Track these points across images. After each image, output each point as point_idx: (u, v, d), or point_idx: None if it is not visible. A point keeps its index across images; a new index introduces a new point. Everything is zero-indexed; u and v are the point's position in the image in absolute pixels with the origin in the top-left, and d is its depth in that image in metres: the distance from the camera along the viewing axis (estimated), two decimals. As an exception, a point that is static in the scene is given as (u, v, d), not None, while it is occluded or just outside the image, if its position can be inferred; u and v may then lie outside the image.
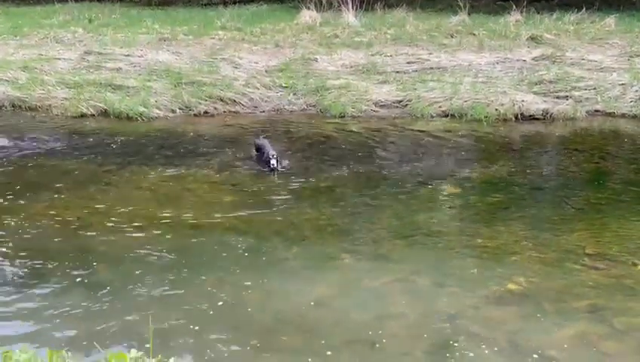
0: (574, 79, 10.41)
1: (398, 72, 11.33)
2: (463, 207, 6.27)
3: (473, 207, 6.30)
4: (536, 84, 10.34)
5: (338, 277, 4.83)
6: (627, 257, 5.04)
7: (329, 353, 3.89)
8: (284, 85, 10.63)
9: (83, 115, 9.50)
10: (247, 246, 5.26)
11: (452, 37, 13.82)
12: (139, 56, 12.27)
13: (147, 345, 3.38)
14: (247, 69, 11.63)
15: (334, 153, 7.97)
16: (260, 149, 7.33)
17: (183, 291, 4.55)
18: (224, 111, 9.82)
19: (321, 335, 4.06)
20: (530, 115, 9.34)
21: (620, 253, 5.12)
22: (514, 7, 15.60)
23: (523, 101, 9.54)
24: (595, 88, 10.11)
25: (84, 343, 3.85)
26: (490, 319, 4.23)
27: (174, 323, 4.13)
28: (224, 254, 5.13)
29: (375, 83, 10.70)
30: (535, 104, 9.51)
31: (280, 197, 6.41)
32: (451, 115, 9.45)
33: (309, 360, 3.82)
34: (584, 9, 15.43)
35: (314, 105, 9.93)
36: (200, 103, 9.81)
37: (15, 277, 4.79)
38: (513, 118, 9.26)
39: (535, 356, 3.84)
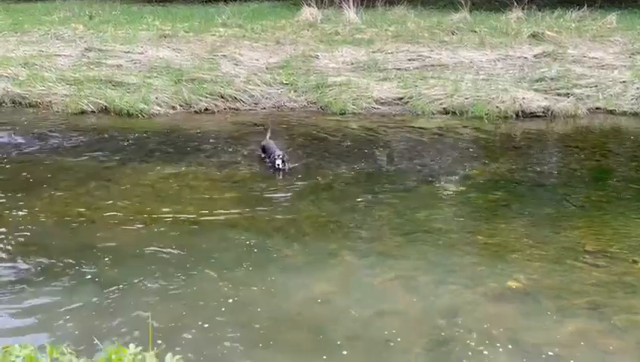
0: (575, 77, 10.41)
1: (399, 69, 11.33)
2: (463, 205, 6.27)
3: (474, 204, 6.30)
4: (538, 81, 10.33)
5: (338, 273, 4.84)
6: (627, 254, 5.04)
7: (329, 349, 3.89)
8: (284, 82, 10.63)
9: (83, 112, 9.50)
10: (248, 242, 5.26)
11: (453, 34, 13.81)
12: (139, 53, 12.27)
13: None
14: (247, 65, 11.63)
15: (335, 150, 7.97)
16: (265, 150, 7.25)
17: (183, 287, 4.55)
18: (225, 108, 9.82)
19: (321, 332, 4.07)
20: (531, 113, 9.33)
21: (620, 250, 5.12)
22: (515, 4, 15.58)
23: (524, 98, 9.53)
24: (596, 86, 10.11)
25: (85, 338, 3.85)
26: (490, 316, 4.23)
27: (175, 319, 4.14)
28: (225, 251, 5.13)
29: (376, 80, 10.70)
30: (536, 101, 9.51)
31: (281, 194, 6.41)
32: (452, 112, 9.45)
33: (309, 356, 3.83)
34: (585, 6, 15.42)
35: (315, 103, 9.93)
36: (200, 100, 9.81)
37: (16, 273, 4.79)
38: (514, 116, 9.25)
39: (535, 353, 3.84)
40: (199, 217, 5.72)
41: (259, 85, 10.45)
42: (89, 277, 4.70)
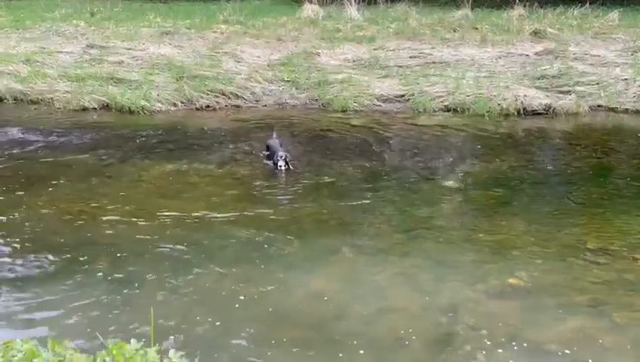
0: (577, 74, 10.39)
1: (400, 66, 11.31)
2: (464, 202, 6.27)
3: (475, 201, 6.30)
4: (539, 78, 10.31)
5: (340, 270, 4.84)
6: (628, 252, 5.04)
7: (329, 346, 3.90)
8: (286, 79, 10.62)
9: (85, 109, 9.51)
10: (249, 239, 5.27)
11: (455, 31, 13.79)
12: (141, 50, 12.27)
13: (149, 328, 3.42)
14: (249, 62, 11.62)
15: (336, 147, 7.96)
16: (270, 149, 7.18)
17: (184, 284, 4.56)
18: (226, 106, 9.82)
19: (321, 328, 4.07)
20: (533, 110, 9.32)
21: (621, 248, 5.12)
22: (517, 1, 15.55)
23: (525, 96, 9.52)
24: (598, 83, 10.09)
25: (87, 334, 3.86)
26: (490, 313, 4.23)
27: (175, 315, 4.14)
28: (226, 247, 5.14)
29: (377, 77, 10.69)
30: (538, 99, 9.49)
31: (282, 191, 6.41)
32: (453, 109, 9.44)
33: (310, 353, 3.83)
34: (588, 3, 15.39)
35: (316, 100, 9.92)
36: (202, 97, 9.81)
37: (17, 270, 4.80)
38: (515, 113, 9.24)
39: (535, 350, 3.84)
40: (200, 214, 5.73)
41: (260, 82, 10.45)
42: (90, 273, 4.71)
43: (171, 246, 5.13)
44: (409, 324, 4.12)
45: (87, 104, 9.55)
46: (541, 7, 15.66)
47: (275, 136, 7.53)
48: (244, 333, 4.01)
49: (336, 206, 6.02)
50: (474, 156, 7.76)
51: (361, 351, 3.85)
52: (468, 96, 9.61)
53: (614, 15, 14.50)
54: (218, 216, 5.72)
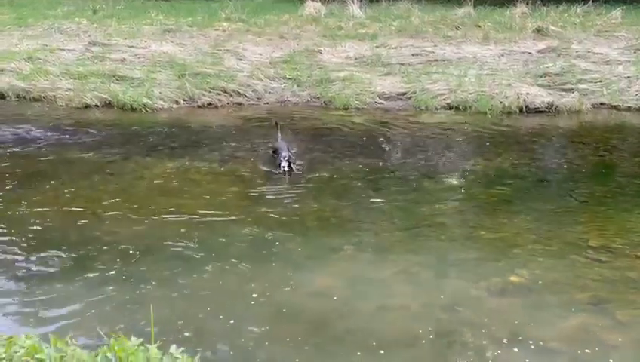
0: (580, 72, 10.37)
1: (402, 64, 11.30)
2: (466, 199, 6.26)
3: (477, 199, 6.29)
4: (542, 76, 10.30)
5: (341, 268, 4.84)
6: (631, 250, 5.03)
7: (331, 343, 3.90)
8: (288, 77, 10.61)
9: (87, 106, 9.52)
10: (251, 237, 5.27)
11: (457, 29, 13.77)
12: (143, 48, 12.28)
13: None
14: (251, 60, 11.62)
15: (338, 145, 7.96)
16: (276, 150, 7.06)
17: (185, 281, 4.56)
18: (228, 103, 9.82)
19: (323, 326, 4.08)
20: (535, 108, 9.31)
21: (623, 245, 5.11)
22: (520, -2, 15.52)
23: (528, 94, 9.51)
24: (600, 81, 10.07)
25: (90, 331, 3.87)
26: (492, 310, 4.23)
27: (176, 312, 4.15)
28: (228, 245, 5.14)
29: (379, 75, 10.68)
30: (540, 97, 9.48)
31: (283, 189, 6.41)
32: (456, 107, 9.43)
33: (311, 350, 3.84)
34: (590, 1, 15.35)
35: (318, 97, 9.92)
36: (204, 95, 9.81)
37: (20, 267, 4.81)
38: (518, 111, 9.23)
39: (537, 347, 3.84)
40: (202, 211, 5.73)
41: (262, 80, 10.44)
42: (91, 270, 4.72)
43: (173, 243, 5.13)
44: (411, 322, 4.13)
45: (89, 101, 9.56)
46: (544, 5, 15.62)
47: (279, 135, 7.46)
48: (247, 330, 4.01)
49: (338, 204, 6.02)
50: (476, 154, 7.76)
51: (363, 349, 3.85)
52: (470, 93, 9.60)
53: (617, 13, 14.47)
54: (220, 213, 5.72)
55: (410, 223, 5.60)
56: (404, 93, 9.91)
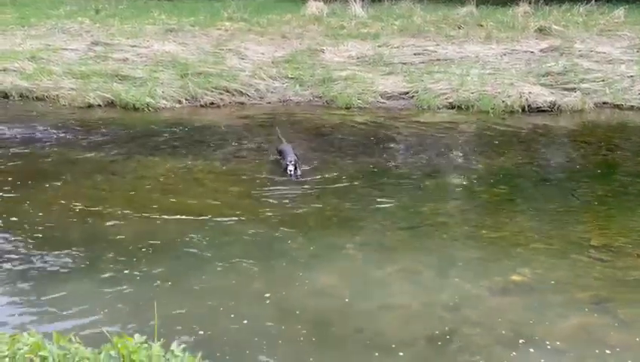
0: (582, 71, 10.36)
1: (404, 63, 11.31)
2: (468, 199, 6.27)
3: (479, 198, 6.30)
4: (544, 75, 10.29)
5: (343, 267, 4.85)
6: (633, 249, 5.03)
7: (332, 341, 3.91)
8: (290, 76, 10.62)
9: (90, 106, 9.54)
10: (253, 235, 5.29)
11: (459, 28, 13.77)
12: (145, 47, 12.30)
13: (152, 322, 3.44)
14: (253, 59, 11.63)
15: (340, 144, 7.97)
16: (281, 153, 7.00)
17: (187, 279, 4.58)
18: (230, 102, 9.83)
19: (324, 324, 4.09)
20: (538, 107, 9.30)
21: (625, 245, 5.11)
22: (522, -2, 15.50)
23: (530, 93, 9.50)
24: (603, 80, 10.06)
25: (92, 330, 3.89)
26: (493, 309, 4.23)
27: (178, 310, 4.16)
28: (230, 244, 5.15)
29: (381, 74, 10.68)
30: (542, 96, 9.47)
31: (285, 188, 6.41)
32: (458, 106, 9.43)
33: (313, 348, 3.85)
34: (593, 0, 15.32)
35: (320, 97, 9.93)
36: (206, 94, 9.83)
37: (22, 265, 4.83)
38: (520, 110, 9.23)
39: (538, 346, 3.84)
40: (204, 210, 5.75)
41: (264, 79, 10.46)
42: (95, 270, 4.73)
43: (176, 243, 5.14)
44: (412, 320, 4.14)
45: (92, 101, 9.58)
46: (546, 4, 15.60)
47: (279, 132, 7.47)
48: (246, 329, 4.02)
49: (340, 203, 6.02)
50: (478, 153, 7.76)
51: (364, 347, 3.86)
52: (472, 93, 9.60)
53: (620, 12, 14.45)
54: (223, 212, 5.73)
55: (412, 222, 5.61)
56: (407, 93, 9.91)
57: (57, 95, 9.88)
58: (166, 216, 5.62)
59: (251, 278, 4.61)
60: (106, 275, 4.63)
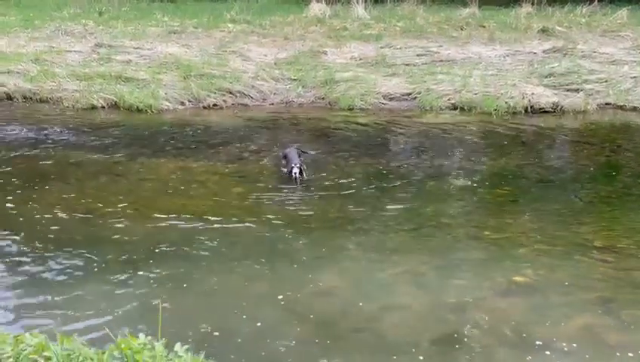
0: (585, 72, 10.35)
1: (407, 64, 11.31)
2: (471, 200, 6.26)
3: (482, 199, 6.29)
4: (547, 76, 10.28)
5: (346, 268, 4.85)
6: (636, 250, 5.02)
7: (336, 342, 3.91)
8: (292, 78, 10.64)
9: (93, 107, 9.57)
10: (256, 236, 5.29)
11: (462, 29, 13.77)
12: (149, 49, 12.34)
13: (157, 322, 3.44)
14: (255, 61, 11.65)
15: (343, 145, 7.97)
16: (286, 157, 6.94)
17: (192, 280, 4.58)
18: (233, 104, 9.85)
19: (328, 325, 4.09)
20: (541, 108, 9.29)
21: (629, 245, 5.10)
22: (525, -1, 15.50)
23: (533, 94, 9.50)
24: (606, 81, 10.05)
25: (96, 330, 3.90)
26: (496, 310, 4.23)
27: (180, 310, 4.17)
28: (233, 244, 5.16)
29: (384, 75, 10.69)
30: (545, 97, 9.46)
31: (289, 189, 6.42)
32: (460, 107, 9.43)
33: (316, 349, 3.85)
34: (596, 1, 15.31)
35: (323, 98, 9.93)
36: (209, 96, 9.84)
37: (26, 266, 4.84)
38: (523, 111, 9.22)
39: (541, 347, 3.84)
40: (207, 211, 5.76)
41: (267, 81, 10.48)
42: (99, 270, 4.75)
43: (178, 243, 5.15)
44: (415, 321, 4.13)
45: (95, 103, 9.61)
46: (549, 5, 15.59)
47: (294, 146, 7.34)
48: (247, 328, 4.03)
49: (342, 203, 6.03)
50: (481, 154, 7.75)
51: (367, 348, 3.86)
52: (475, 94, 9.60)
53: (623, 13, 14.43)
54: (226, 213, 5.74)
55: (415, 223, 5.61)
56: (409, 94, 9.92)
57: (61, 97, 9.92)
58: (170, 217, 5.63)
59: (252, 279, 4.61)
60: (111, 276, 4.64)
